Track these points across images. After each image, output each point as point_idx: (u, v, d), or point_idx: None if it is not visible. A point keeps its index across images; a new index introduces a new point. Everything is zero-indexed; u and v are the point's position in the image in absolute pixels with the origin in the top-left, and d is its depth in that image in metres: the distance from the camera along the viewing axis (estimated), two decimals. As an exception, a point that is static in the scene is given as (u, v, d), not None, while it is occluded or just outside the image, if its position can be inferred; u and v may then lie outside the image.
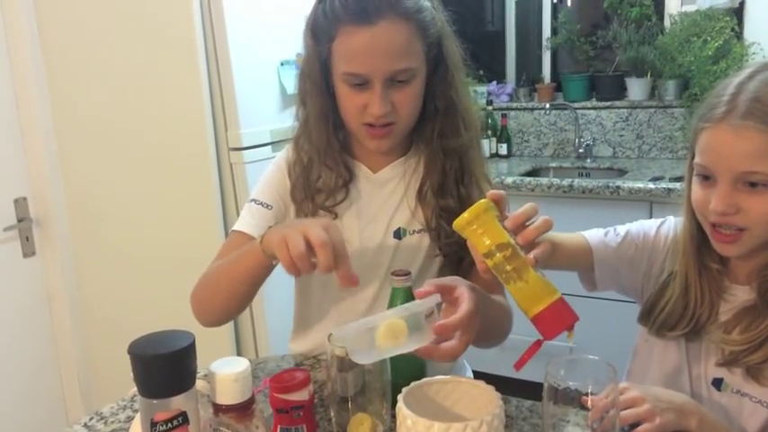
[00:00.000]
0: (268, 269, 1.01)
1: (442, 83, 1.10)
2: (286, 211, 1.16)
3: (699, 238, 1.02)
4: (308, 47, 1.09)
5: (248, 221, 1.14)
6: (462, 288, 0.86)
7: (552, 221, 0.84)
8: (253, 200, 1.17)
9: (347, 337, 0.81)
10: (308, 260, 0.86)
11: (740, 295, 1.01)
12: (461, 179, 1.13)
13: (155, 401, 0.70)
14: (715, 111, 0.93)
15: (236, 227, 1.15)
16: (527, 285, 0.81)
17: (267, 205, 1.15)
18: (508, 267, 0.81)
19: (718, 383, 1.01)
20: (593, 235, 1.14)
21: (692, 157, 0.99)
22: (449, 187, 1.12)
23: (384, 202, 1.16)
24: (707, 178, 0.95)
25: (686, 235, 1.04)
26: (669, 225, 1.13)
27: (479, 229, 0.82)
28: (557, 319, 0.80)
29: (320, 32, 1.05)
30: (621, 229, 1.15)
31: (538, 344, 0.82)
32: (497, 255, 0.81)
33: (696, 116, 0.98)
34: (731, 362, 0.98)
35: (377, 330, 0.80)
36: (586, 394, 0.76)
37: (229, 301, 1.09)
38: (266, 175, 1.21)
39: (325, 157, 1.13)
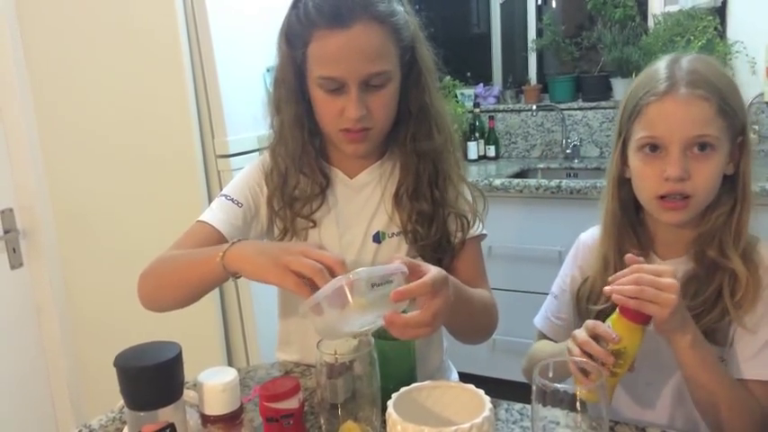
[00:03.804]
0: (224, 280, 0.99)
1: (416, 87, 1.10)
2: (255, 214, 1.15)
3: (621, 220, 1.08)
4: (283, 53, 1.09)
5: (216, 215, 1.12)
6: (429, 266, 0.87)
7: None
8: (224, 195, 1.15)
9: (311, 308, 0.80)
10: (327, 276, 0.83)
11: (678, 268, 1.03)
12: (435, 182, 1.13)
13: (142, 414, 0.70)
14: (657, 87, 0.99)
15: (203, 217, 1.12)
16: (625, 347, 0.90)
17: (238, 202, 1.14)
18: (620, 361, 0.90)
19: None
20: (541, 323, 1.21)
21: (623, 141, 1.04)
22: (423, 190, 1.13)
23: (362, 206, 1.16)
24: (654, 149, 0.99)
25: (608, 217, 1.10)
26: (579, 247, 1.20)
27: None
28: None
29: (294, 37, 1.06)
30: (555, 291, 1.21)
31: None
32: (616, 372, 0.90)
33: (630, 99, 1.04)
34: None
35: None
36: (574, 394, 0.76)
37: (178, 298, 1.06)
38: (242, 174, 1.20)
39: (301, 164, 1.13)
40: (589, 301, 1.11)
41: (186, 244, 1.09)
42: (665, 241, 1.08)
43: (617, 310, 0.90)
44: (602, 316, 1.07)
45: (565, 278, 1.19)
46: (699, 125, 0.96)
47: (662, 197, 1.00)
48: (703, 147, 0.97)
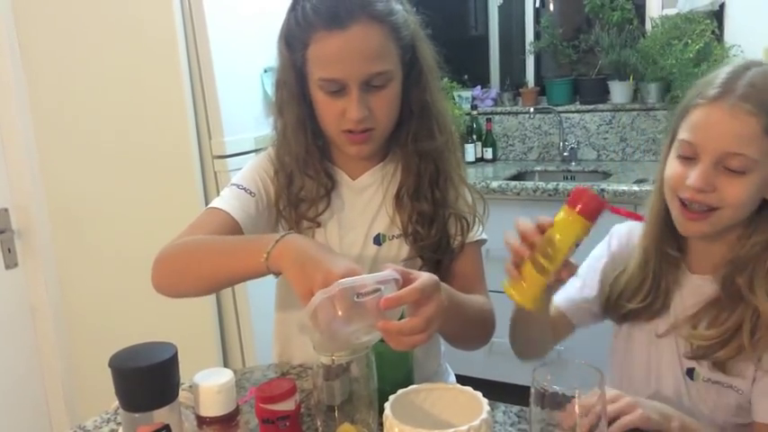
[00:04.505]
0: (261, 276, 0.97)
1: (417, 86, 1.09)
2: (267, 203, 1.14)
3: (663, 220, 1.05)
4: (283, 56, 1.08)
5: (229, 202, 1.09)
6: (420, 273, 0.85)
7: None
8: (235, 184, 1.13)
9: (307, 318, 0.79)
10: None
11: (703, 285, 1.02)
12: (436, 182, 1.12)
13: (137, 415, 0.70)
14: (710, 90, 0.95)
15: (216, 204, 1.10)
16: (558, 235, 0.85)
17: (250, 192, 1.12)
18: (550, 253, 0.86)
19: (690, 373, 1.03)
20: (560, 299, 1.17)
21: (672, 138, 1.01)
22: (423, 191, 1.12)
23: (363, 208, 1.16)
24: (688, 158, 0.96)
25: (653, 213, 1.07)
26: (614, 234, 1.18)
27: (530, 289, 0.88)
28: (589, 203, 0.84)
29: (294, 40, 1.05)
30: (581, 272, 1.16)
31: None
32: (544, 266, 0.86)
33: (686, 97, 1.00)
34: (700, 356, 1.00)
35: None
36: (573, 397, 0.76)
37: (202, 286, 1.04)
38: (251, 164, 1.18)
39: (305, 166, 1.12)
40: (622, 298, 1.08)
41: (201, 231, 1.06)
42: (697, 254, 1.04)
43: (564, 209, 0.87)
44: (634, 315, 1.08)
45: (596, 261, 1.16)
46: (738, 141, 0.91)
47: (684, 204, 0.97)
48: (737, 165, 0.92)
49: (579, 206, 0.84)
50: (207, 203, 2.07)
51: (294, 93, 1.09)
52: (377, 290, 0.80)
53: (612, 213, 0.88)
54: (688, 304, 1.04)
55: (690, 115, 0.97)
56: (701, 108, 0.95)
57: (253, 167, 1.17)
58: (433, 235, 1.12)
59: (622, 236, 1.16)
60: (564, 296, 1.17)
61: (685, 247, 1.06)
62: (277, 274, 0.93)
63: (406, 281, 0.83)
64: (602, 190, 2.45)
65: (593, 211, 0.84)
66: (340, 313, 0.77)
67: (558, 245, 0.85)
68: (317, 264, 0.84)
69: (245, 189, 1.12)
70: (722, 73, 0.96)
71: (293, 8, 1.05)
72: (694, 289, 1.03)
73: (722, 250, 1.01)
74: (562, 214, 0.86)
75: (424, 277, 0.83)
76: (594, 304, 1.15)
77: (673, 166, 0.99)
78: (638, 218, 0.96)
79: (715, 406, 1.01)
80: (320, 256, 0.86)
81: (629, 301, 1.07)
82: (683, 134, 0.97)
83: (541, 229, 0.86)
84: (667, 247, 1.05)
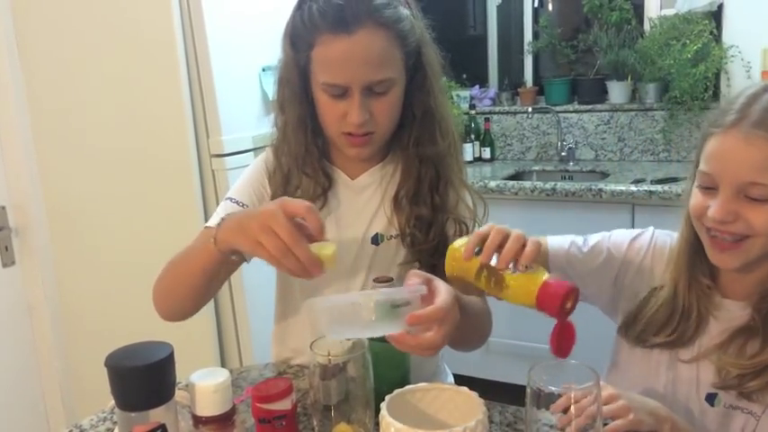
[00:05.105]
0: (228, 264, 1.00)
1: (420, 90, 1.09)
2: None
3: (694, 248, 1.01)
4: (287, 54, 1.08)
5: None
6: (438, 281, 0.87)
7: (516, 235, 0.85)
8: (229, 198, 1.15)
9: (323, 309, 0.82)
10: (292, 254, 0.85)
11: (735, 311, 1.00)
12: (436, 187, 1.12)
13: (133, 414, 0.70)
14: (726, 117, 0.92)
15: (212, 223, 1.11)
16: (511, 288, 0.84)
17: (243, 204, 1.13)
18: (492, 284, 0.86)
19: (711, 399, 1.00)
20: (556, 240, 1.14)
21: (697, 165, 0.98)
22: (423, 195, 1.12)
23: (362, 208, 1.16)
24: (709, 189, 0.94)
25: (682, 242, 1.03)
26: (648, 236, 1.12)
27: (460, 272, 0.89)
28: (549, 297, 0.80)
29: (298, 40, 1.05)
30: (592, 239, 1.14)
31: (556, 326, 0.83)
32: (482, 281, 0.87)
33: (705, 123, 0.98)
34: (729, 387, 0.97)
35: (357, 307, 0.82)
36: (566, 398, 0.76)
37: (191, 295, 1.06)
38: (246, 174, 1.19)
39: (303, 165, 1.12)
40: (646, 331, 1.04)
41: None
42: (729, 280, 1.01)
43: (543, 279, 0.81)
44: (658, 345, 1.04)
45: (614, 247, 1.11)
46: (755, 171, 0.88)
47: (710, 231, 0.94)
48: (758, 194, 0.89)
49: (542, 296, 0.80)
50: (205, 202, 2.10)
51: (296, 91, 1.09)
52: (407, 302, 0.82)
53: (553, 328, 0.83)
54: (715, 332, 1.01)
55: (706, 144, 0.94)
56: (715, 137, 0.93)
57: (247, 179, 1.18)
58: (431, 239, 1.11)
59: (650, 242, 1.11)
60: (558, 243, 1.13)
61: (717, 273, 1.02)
62: (230, 253, 0.96)
63: (429, 289, 0.85)
64: (600, 190, 2.45)
65: (544, 309, 0.81)
66: (363, 318, 0.80)
67: (502, 289, 0.85)
68: (254, 213, 0.90)
69: (237, 202, 1.14)
70: (740, 97, 0.94)
71: (299, 7, 1.05)
72: (724, 314, 1.00)
73: (757, 278, 0.98)
74: (533, 278, 0.82)
75: (445, 295, 0.84)
76: (586, 275, 1.10)
77: (695, 196, 0.96)
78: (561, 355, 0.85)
79: (730, 428, 0.99)
80: (256, 209, 0.92)
81: (656, 335, 1.03)
82: (701, 164, 0.95)
83: (520, 257, 0.83)
84: (699, 274, 1.01)
